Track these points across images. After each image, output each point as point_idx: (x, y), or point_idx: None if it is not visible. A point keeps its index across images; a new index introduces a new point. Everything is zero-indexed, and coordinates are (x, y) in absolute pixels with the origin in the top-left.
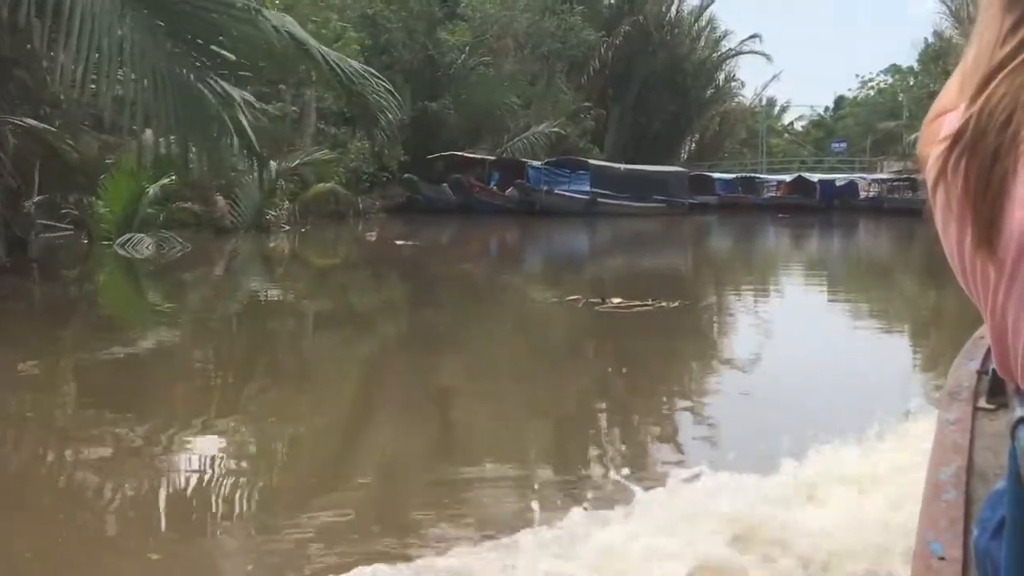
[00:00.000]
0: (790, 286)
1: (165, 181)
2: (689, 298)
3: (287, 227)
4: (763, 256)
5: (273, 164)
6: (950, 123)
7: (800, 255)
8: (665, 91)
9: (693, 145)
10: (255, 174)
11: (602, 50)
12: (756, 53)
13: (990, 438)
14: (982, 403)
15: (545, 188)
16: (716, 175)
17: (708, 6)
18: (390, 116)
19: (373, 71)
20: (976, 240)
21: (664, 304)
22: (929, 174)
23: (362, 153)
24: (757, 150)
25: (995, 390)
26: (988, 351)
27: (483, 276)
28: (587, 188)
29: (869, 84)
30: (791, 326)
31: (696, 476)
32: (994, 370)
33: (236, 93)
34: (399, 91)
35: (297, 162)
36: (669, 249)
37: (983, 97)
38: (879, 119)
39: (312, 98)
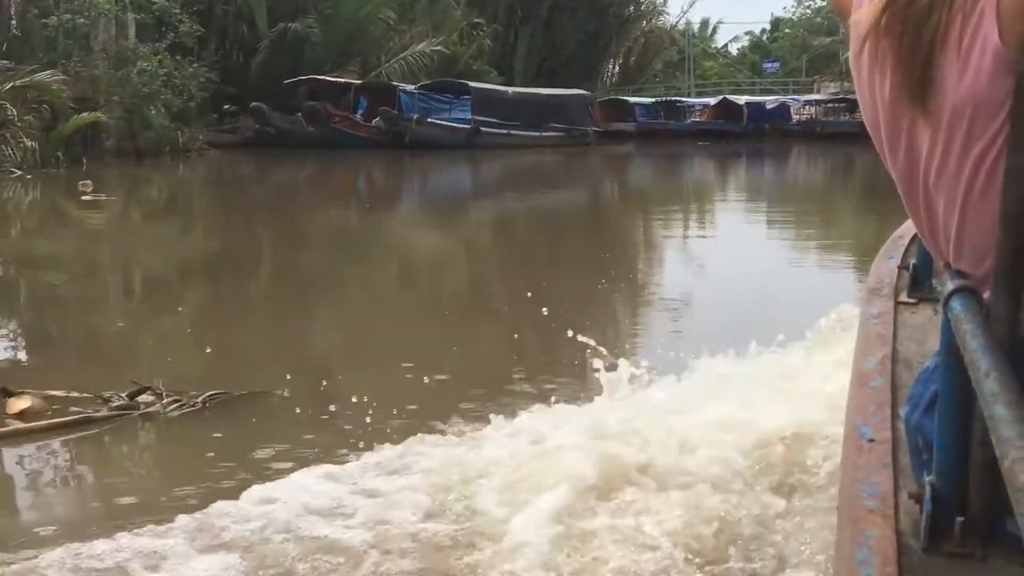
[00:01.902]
0: (693, 238)
1: None
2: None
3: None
4: (668, 193)
5: None
6: None
7: (712, 191)
8: (580, 9)
9: (616, 68)
10: None
11: None
12: None
13: (912, 329)
14: (903, 297)
15: (415, 116)
16: (634, 100)
17: None
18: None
19: None
20: (908, 93)
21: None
22: (856, 29)
23: (198, 77)
24: (692, 73)
25: (916, 285)
26: (907, 249)
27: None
28: (469, 116)
29: (806, 3)
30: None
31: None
32: (914, 265)
33: None
34: (252, 7)
35: (11, 85)
36: (555, 190)
37: None
38: (815, 37)
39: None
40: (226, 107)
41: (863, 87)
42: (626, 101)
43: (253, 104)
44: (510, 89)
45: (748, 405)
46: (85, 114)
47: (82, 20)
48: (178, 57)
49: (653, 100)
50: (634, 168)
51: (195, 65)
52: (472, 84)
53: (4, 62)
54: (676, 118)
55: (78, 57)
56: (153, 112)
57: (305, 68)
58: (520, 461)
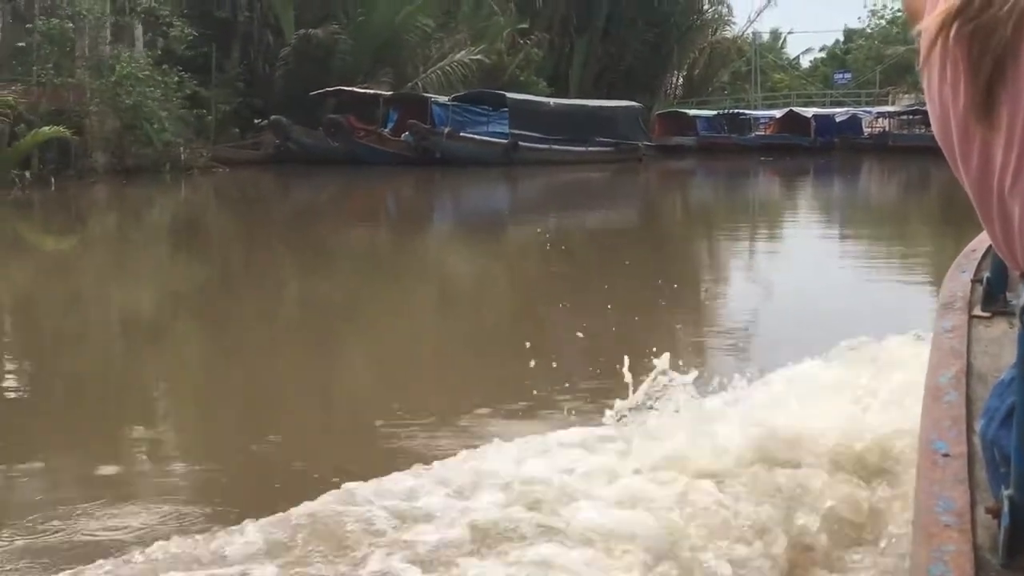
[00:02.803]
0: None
1: None
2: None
3: None
4: (724, 213)
5: None
6: None
7: (774, 210)
8: (639, 18)
9: (680, 80)
10: None
11: None
12: None
13: (987, 343)
14: (977, 311)
15: (446, 130)
16: (695, 112)
17: None
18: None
19: None
20: (979, 101)
21: None
22: (926, 35)
23: (183, 89)
24: (759, 85)
25: (989, 299)
26: (980, 262)
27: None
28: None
29: (879, 14)
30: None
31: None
32: (988, 278)
33: None
34: (278, 13)
35: None
36: (599, 210)
37: None
38: (889, 47)
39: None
40: (256, 121)
41: (932, 95)
42: (686, 114)
43: (272, 117)
44: (552, 100)
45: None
46: (45, 128)
47: (69, 25)
48: (165, 66)
49: (715, 113)
50: (688, 186)
51: (181, 75)
52: (509, 95)
53: None
54: (740, 132)
55: (59, 65)
56: (155, 126)
57: (334, 78)
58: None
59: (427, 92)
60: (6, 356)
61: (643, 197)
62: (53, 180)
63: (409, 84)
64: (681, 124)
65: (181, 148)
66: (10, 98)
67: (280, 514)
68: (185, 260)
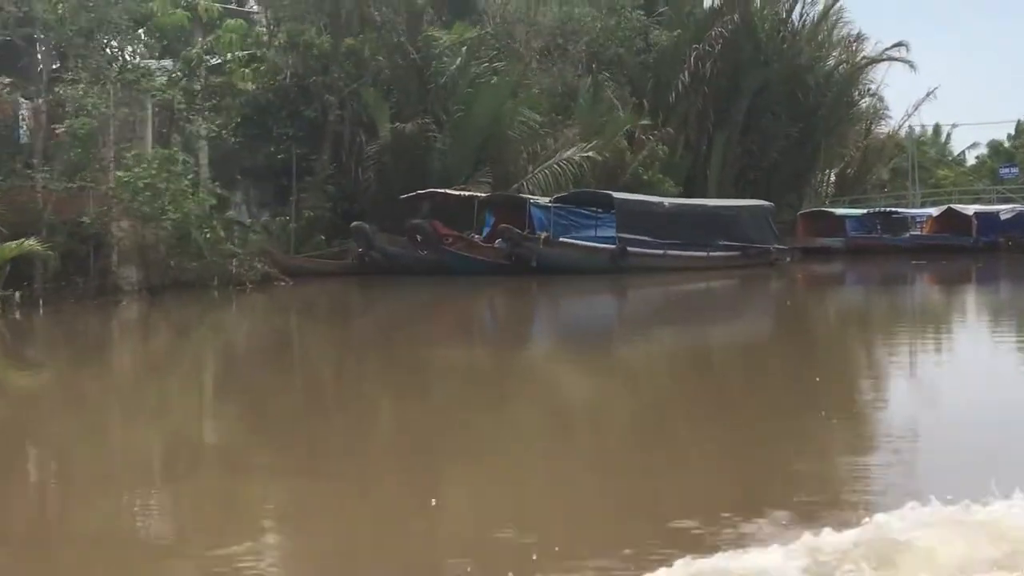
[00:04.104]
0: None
1: None
2: None
3: None
4: (863, 333)
5: None
6: None
7: (924, 327)
8: (782, 112)
9: (832, 178)
10: None
11: (691, 60)
12: (903, 61)
13: None
14: None
15: (543, 235)
16: (842, 212)
17: (834, 3)
18: None
19: None
20: None
21: None
22: None
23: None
24: (918, 182)
25: None
26: None
27: None
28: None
29: None
30: None
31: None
32: None
33: None
34: (372, 111)
35: None
36: (721, 324)
37: None
38: None
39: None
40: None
41: None
42: (832, 213)
43: (354, 224)
44: (666, 200)
45: None
46: (12, 244)
47: (94, 122)
48: (171, 168)
49: (866, 211)
50: (830, 294)
51: (192, 174)
52: (616, 195)
53: None
54: (893, 232)
55: (76, 165)
56: (206, 234)
57: (433, 180)
58: None
59: (534, 193)
60: None
61: (774, 310)
62: (42, 302)
63: (515, 185)
64: (828, 224)
65: (234, 261)
66: None
67: None
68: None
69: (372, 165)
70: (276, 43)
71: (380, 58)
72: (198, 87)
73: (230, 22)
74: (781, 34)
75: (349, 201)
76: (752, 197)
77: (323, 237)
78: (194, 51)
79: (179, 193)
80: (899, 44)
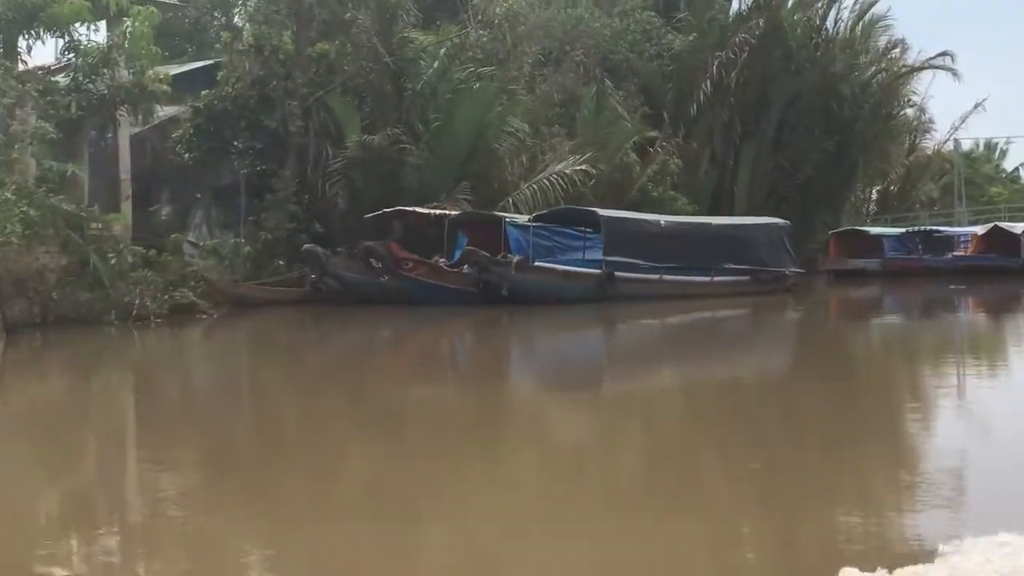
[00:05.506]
0: None
1: None
2: None
3: None
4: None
5: None
6: None
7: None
8: (816, 125)
9: (873, 195)
10: None
11: (714, 68)
12: (946, 69)
13: None
14: None
15: (515, 259)
16: (879, 230)
17: (870, 7)
18: None
19: None
20: None
21: None
22: None
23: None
24: (966, 199)
25: None
26: None
27: None
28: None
29: None
30: None
31: None
32: None
33: None
34: (341, 121)
35: None
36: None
37: None
38: None
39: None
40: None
41: None
42: (867, 232)
43: (305, 247)
44: (663, 219)
45: None
46: None
47: None
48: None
49: (905, 230)
50: (858, 326)
51: (53, 196)
52: (602, 212)
53: None
54: (935, 252)
55: None
56: (113, 261)
57: (407, 197)
58: None
59: (520, 212)
60: None
61: (783, 347)
62: None
63: (500, 204)
64: (863, 244)
65: (136, 290)
66: None
67: None
68: None
69: (339, 181)
70: (239, 46)
71: (350, 59)
72: (103, 89)
73: (140, 9)
74: (814, 41)
75: (316, 221)
76: (785, 216)
77: (281, 262)
78: (94, 46)
79: (51, 210)
80: (944, 54)
